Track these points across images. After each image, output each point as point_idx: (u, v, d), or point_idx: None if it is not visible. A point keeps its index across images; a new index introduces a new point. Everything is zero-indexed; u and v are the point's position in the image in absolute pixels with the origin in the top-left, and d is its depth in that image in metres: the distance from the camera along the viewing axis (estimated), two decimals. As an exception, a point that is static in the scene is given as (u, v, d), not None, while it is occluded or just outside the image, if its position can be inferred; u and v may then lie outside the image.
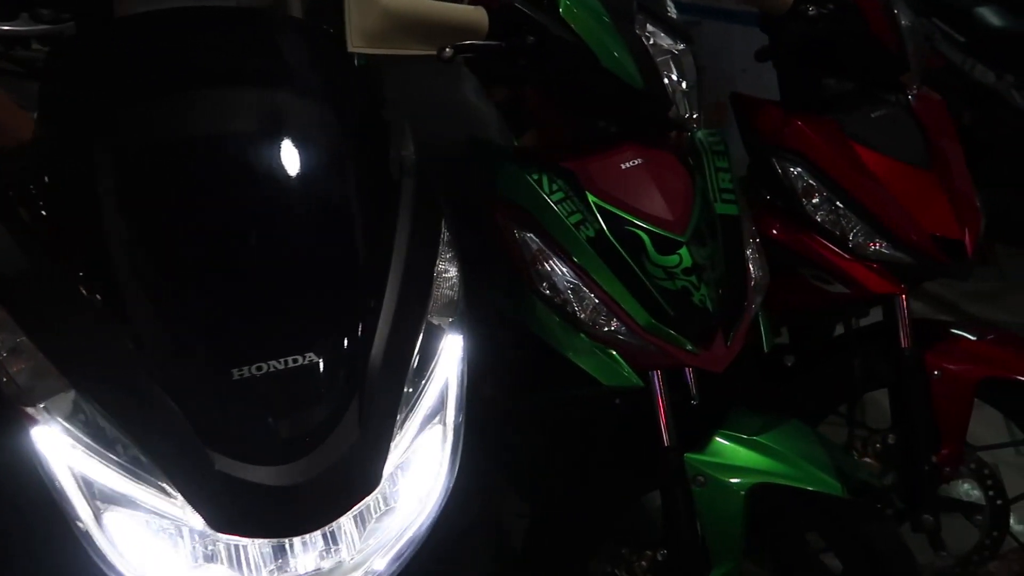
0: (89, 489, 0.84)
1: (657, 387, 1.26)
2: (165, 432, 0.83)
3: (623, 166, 1.24)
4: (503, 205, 1.27)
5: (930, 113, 1.59)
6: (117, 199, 0.91)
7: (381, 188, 1.05)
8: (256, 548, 0.87)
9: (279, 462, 0.85)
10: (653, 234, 1.19)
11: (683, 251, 1.19)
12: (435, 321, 1.04)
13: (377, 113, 1.11)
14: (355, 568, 0.90)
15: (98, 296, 0.87)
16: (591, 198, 1.22)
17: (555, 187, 1.23)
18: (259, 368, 0.85)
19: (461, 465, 1.06)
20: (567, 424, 1.49)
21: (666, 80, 1.27)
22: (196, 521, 0.83)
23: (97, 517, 0.84)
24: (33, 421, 0.83)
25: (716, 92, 2.26)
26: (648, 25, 1.26)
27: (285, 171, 0.96)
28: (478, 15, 1.11)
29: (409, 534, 0.96)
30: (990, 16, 3.11)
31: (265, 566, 0.86)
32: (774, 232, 1.58)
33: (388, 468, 0.92)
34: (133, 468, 0.84)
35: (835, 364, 1.69)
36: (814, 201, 1.50)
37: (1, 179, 0.96)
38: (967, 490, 1.76)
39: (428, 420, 1.00)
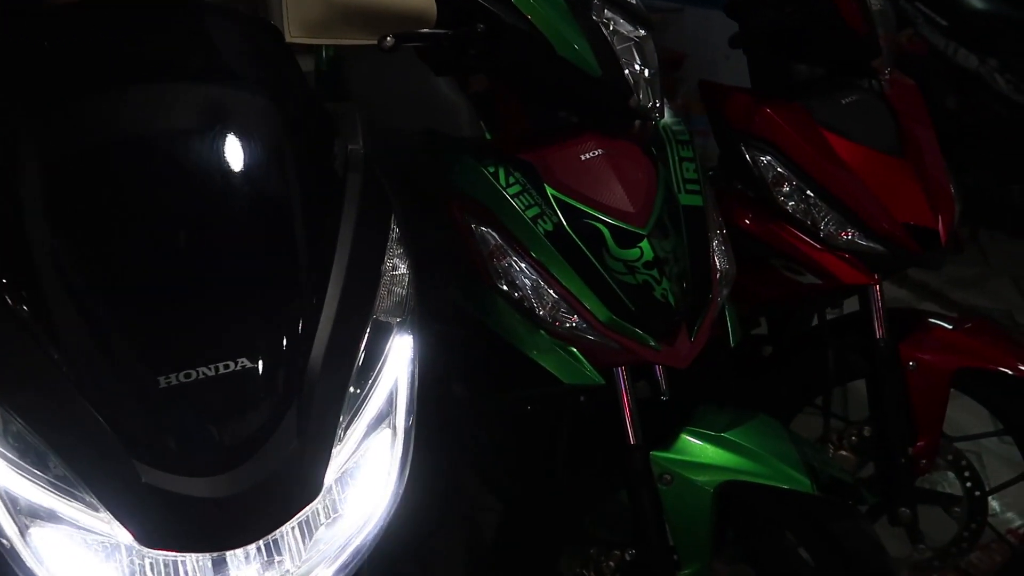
0: (14, 505, 0.81)
1: (621, 384, 1.23)
2: (89, 445, 0.79)
3: (583, 157, 1.21)
4: (459, 199, 1.23)
5: (903, 98, 1.56)
6: (39, 200, 0.86)
7: (324, 183, 1.01)
8: (194, 562, 0.83)
9: (211, 473, 0.81)
10: (613, 227, 1.15)
11: (644, 244, 1.15)
12: (383, 319, 1.00)
13: (319, 105, 1.06)
14: None
15: (21, 305, 0.83)
16: (549, 190, 1.18)
17: (512, 180, 1.19)
18: (188, 375, 0.81)
19: (427, 463, 1.03)
20: (533, 421, 1.46)
21: (626, 69, 1.23)
22: (125, 536, 0.80)
23: (23, 533, 0.81)
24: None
25: (698, 79, 2.22)
26: (606, 11, 1.22)
27: (219, 167, 0.92)
28: (425, 2, 1.06)
29: (356, 543, 0.92)
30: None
31: None
32: (746, 222, 1.55)
33: (330, 476, 0.89)
34: (59, 483, 0.80)
35: (810, 355, 1.66)
36: (784, 190, 1.47)
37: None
38: (946, 481, 1.74)
39: (376, 424, 0.96)
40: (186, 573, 0.84)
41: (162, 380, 0.80)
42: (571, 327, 1.17)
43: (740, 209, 1.55)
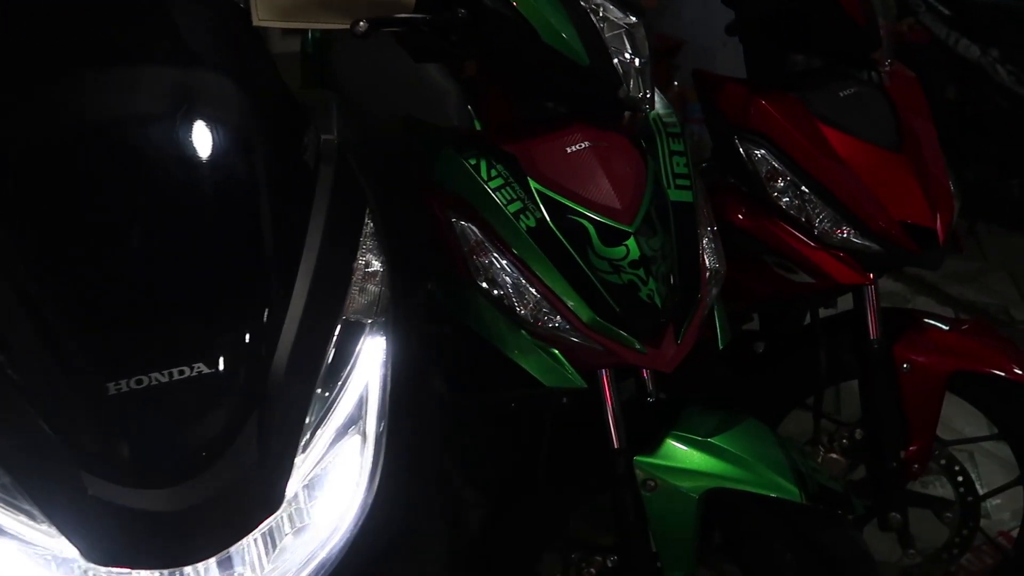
0: None
1: (605, 387, 1.18)
2: (34, 455, 0.75)
3: (569, 150, 1.15)
4: (439, 192, 1.18)
5: (902, 91, 1.51)
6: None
7: (293, 175, 0.96)
8: (148, 578, 0.79)
9: (164, 485, 0.77)
10: (598, 224, 1.11)
11: (630, 242, 1.10)
12: (354, 319, 0.95)
13: (289, 93, 1.01)
14: None
15: None
16: (533, 184, 1.13)
17: (494, 173, 1.14)
18: (139, 381, 0.76)
19: (404, 463, 0.99)
20: (515, 421, 1.42)
21: (616, 57, 1.17)
22: (70, 551, 0.76)
23: (-34, 546, 0.76)
24: None
25: (696, 66, 2.16)
26: (595, -4, 1.16)
27: (178, 158, 0.87)
28: (403, -15, 1.01)
29: (323, 554, 0.88)
30: (975, -12, 3.01)
31: None
32: (739, 217, 1.50)
33: (294, 485, 0.85)
34: (2, 495, 0.76)
35: (802, 354, 1.61)
36: (778, 186, 1.42)
37: None
38: (938, 483, 1.70)
39: (344, 429, 0.92)
40: (141, 590, 0.79)
41: (111, 387, 0.76)
42: (553, 327, 1.12)
43: (733, 204, 1.50)
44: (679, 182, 1.23)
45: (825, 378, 1.56)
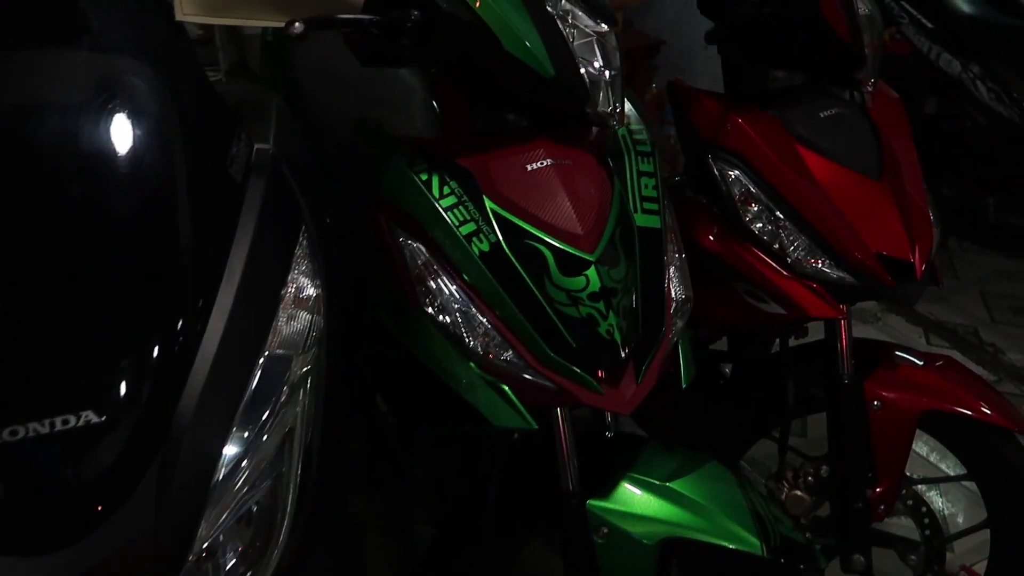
0: None
1: (559, 425, 1.10)
2: None
3: (529, 167, 1.06)
4: (387, 206, 1.09)
5: (885, 114, 1.43)
6: None
7: (217, 189, 0.86)
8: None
9: (40, 552, 0.67)
10: (557, 251, 1.02)
11: (591, 272, 1.02)
12: (280, 353, 0.85)
13: (217, 96, 0.91)
14: None
15: None
16: (489, 204, 1.03)
17: (447, 190, 1.04)
18: (13, 432, 0.66)
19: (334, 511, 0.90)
20: (464, 454, 1.33)
21: (584, 68, 1.08)
22: (-75, 627, 0.66)
23: None
24: None
25: (674, 71, 2.08)
26: (564, 1, 1.06)
27: (79, 166, 0.76)
28: (349, -18, 0.91)
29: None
30: (960, 3, 2.96)
31: None
32: (709, 239, 1.42)
33: (196, 551, 0.75)
34: None
35: (770, 384, 1.55)
36: (752, 210, 1.34)
37: None
38: (902, 519, 1.64)
39: (264, 478, 0.82)
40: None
41: (-20, 439, 0.65)
42: (504, 362, 1.04)
43: (704, 224, 1.42)
44: (647, 206, 1.15)
45: (792, 410, 1.49)
